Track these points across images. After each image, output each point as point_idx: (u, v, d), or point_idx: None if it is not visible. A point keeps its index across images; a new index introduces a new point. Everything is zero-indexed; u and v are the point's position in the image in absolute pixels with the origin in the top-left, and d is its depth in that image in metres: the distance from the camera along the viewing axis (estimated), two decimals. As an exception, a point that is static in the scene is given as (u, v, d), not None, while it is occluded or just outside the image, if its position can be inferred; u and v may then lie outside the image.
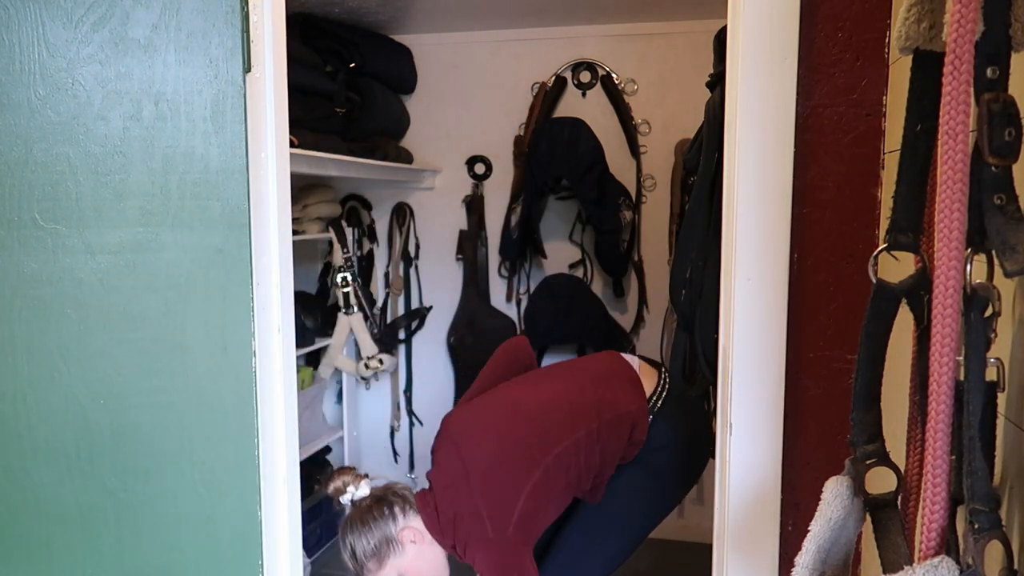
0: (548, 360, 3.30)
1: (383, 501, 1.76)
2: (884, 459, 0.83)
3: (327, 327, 3.06)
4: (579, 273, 3.27)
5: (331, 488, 1.84)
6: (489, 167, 3.33)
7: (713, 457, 1.47)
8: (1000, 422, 0.67)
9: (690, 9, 2.89)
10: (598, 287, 3.28)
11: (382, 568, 1.73)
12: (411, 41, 3.26)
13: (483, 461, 1.77)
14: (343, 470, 1.86)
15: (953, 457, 0.65)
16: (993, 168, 0.62)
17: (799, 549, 0.84)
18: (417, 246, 3.44)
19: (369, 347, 3.01)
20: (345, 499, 1.81)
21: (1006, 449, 0.73)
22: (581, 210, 3.19)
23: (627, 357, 2.05)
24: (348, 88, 2.89)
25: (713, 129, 1.58)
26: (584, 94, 3.20)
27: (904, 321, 0.80)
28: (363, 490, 1.80)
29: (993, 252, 0.64)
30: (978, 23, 0.60)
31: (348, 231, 3.05)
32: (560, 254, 3.29)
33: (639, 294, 3.20)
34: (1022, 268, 0.61)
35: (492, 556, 1.71)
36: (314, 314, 3.08)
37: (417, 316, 3.46)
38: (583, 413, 1.85)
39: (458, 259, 3.38)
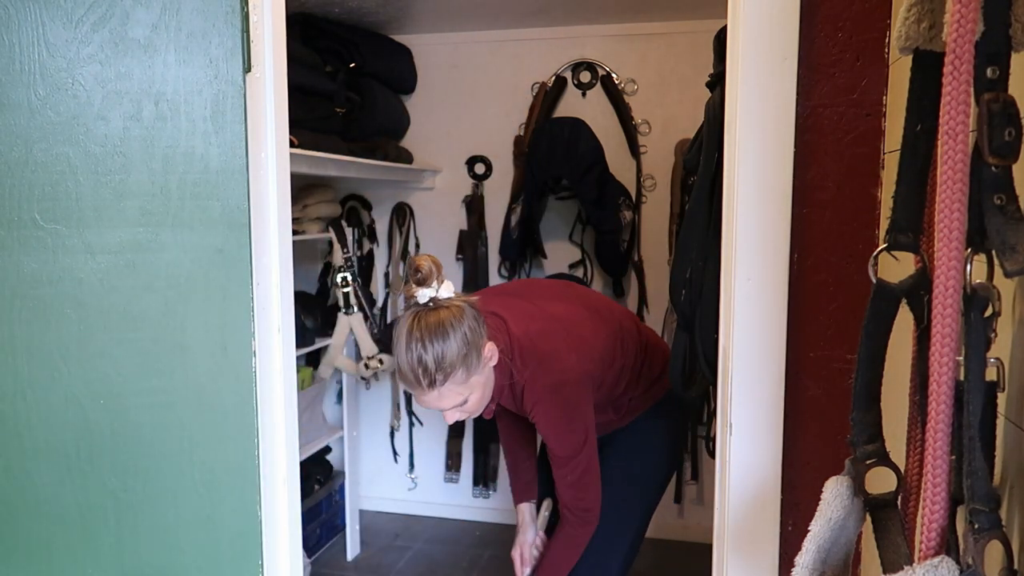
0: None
1: (473, 313, 1.59)
2: (884, 459, 0.83)
3: (327, 327, 3.06)
4: (579, 273, 3.27)
5: (425, 269, 1.54)
6: (489, 167, 3.33)
7: (711, 455, 1.47)
8: (1000, 422, 0.67)
9: (690, 9, 2.89)
10: (598, 287, 3.28)
11: (468, 378, 1.58)
12: (411, 41, 3.26)
13: (557, 311, 1.78)
14: (431, 259, 1.57)
15: (953, 457, 0.65)
16: (993, 168, 0.62)
17: (799, 549, 0.84)
18: (417, 246, 3.43)
19: (369, 347, 3.01)
20: (425, 293, 1.55)
21: (1006, 449, 0.73)
22: (581, 210, 3.19)
23: None
24: (348, 88, 2.89)
25: (713, 129, 1.57)
26: (584, 94, 3.20)
27: (904, 321, 0.80)
28: (447, 291, 1.57)
29: (993, 252, 0.64)
30: (978, 23, 0.60)
31: (348, 231, 3.05)
32: (560, 254, 3.29)
33: (639, 294, 3.20)
34: (1022, 268, 0.61)
35: (559, 396, 1.66)
36: (314, 314, 3.08)
37: (417, 316, 3.45)
38: (631, 323, 1.95)
39: (458, 259, 3.38)
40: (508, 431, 2.04)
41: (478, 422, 3.42)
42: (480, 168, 3.33)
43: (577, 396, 1.68)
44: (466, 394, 1.61)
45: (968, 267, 0.63)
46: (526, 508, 2.06)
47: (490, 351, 1.61)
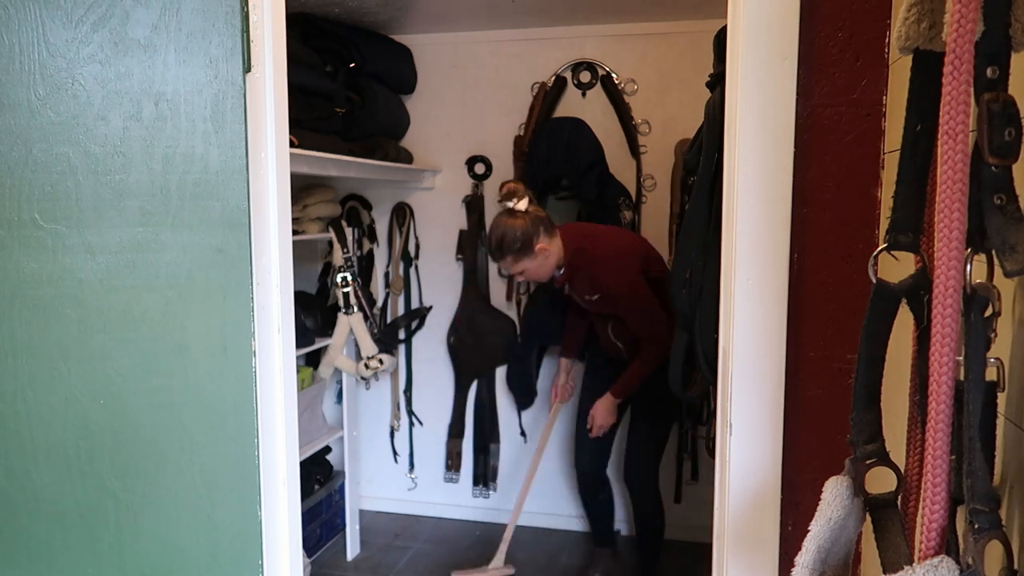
0: (546, 360, 3.30)
1: (538, 219, 2.53)
2: (884, 459, 0.83)
3: (327, 327, 3.06)
4: (579, 273, 3.26)
5: (506, 189, 2.57)
6: (489, 167, 3.33)
7: (711, 454, 1.47)
8: (1000, 422, 0.67)
9: (690, 9, 2.89)
10: (598, 287, 3.28)
11: (517, 262, 2.53)
12: (411, 41, 3.26)
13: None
14: (515, 184, 2.60)
15: (953, 457, 0.65)
16: (993, 168, 0.62)
17: (799, 549, 0.84)
18: (417, 246, 3.44)
19: (369, 347, 3.01)
20: (508, 203, 2.54)
21: (1006, 449, 0.73)
22: (581, 210, 3.18)
23: None
24: (348, 88, 2.89)
25: (713, 129, 1.57)
26: (584, 94, 3.20)
27: (904, 321, 0.80)
28: (523, 204, 2.53)
29: (993, 252, 0.64)
30: (978, 23, 0.60)
31: (348, 231, 3.05)
32: (560, 254, 3.28)
33: (639, 294, 3.19)
34: (1022, 268, 0.61)
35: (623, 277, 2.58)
36: (314, 314, 3.08)
37: (417, 316, 3.46)
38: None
39: (458, 259, 3.38)
40: (576, 310, 2.88)
41: (479, 425, 3.42)
42: (480, 168, 3.33)
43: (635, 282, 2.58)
44: (521, 268, 2.55)
45: (968, 267, 0.63)
46: (566, 362, 3.03)
47: (541, 246, 2.50)
